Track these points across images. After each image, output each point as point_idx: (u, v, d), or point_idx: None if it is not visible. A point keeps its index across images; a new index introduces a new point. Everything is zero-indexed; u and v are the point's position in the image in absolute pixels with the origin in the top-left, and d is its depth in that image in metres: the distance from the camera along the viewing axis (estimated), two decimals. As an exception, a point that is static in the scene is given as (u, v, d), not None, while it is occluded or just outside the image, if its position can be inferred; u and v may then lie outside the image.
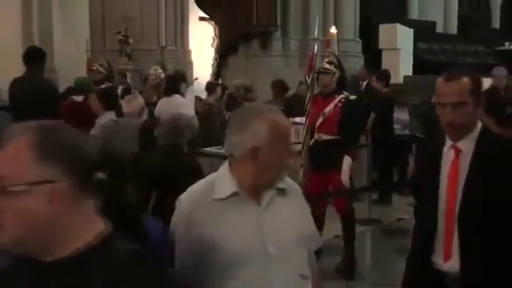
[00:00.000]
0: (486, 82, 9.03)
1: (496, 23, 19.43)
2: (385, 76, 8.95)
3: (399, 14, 15.21)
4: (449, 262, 2.49)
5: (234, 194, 2.01)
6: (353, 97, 6.25)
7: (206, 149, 6.90)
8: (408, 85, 11.57)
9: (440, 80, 2.47)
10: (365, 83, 10.34)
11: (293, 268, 2.05)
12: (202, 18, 12.79)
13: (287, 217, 2.09)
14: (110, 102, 5.78)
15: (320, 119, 5.81)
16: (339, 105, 5.86)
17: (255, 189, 2.04)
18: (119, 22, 12.32)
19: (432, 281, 2.56)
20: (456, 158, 2.47)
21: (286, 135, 2.08)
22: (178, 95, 7.23)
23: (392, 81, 9.24)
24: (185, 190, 2.31)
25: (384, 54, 13.29)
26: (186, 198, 2.11)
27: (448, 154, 2.51)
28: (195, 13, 12.94)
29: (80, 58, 12.92)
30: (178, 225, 2.09)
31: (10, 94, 6.16)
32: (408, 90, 10.59)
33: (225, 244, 1.97)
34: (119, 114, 5.77)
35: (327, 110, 5.85)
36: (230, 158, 2.07)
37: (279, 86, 8.46)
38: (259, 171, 1.98)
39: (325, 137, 5.71)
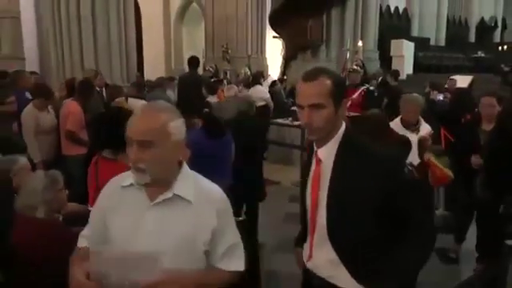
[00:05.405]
0: (465, 80, 8.69)
1: (472, 38, 18.42)
2: (395, 74, 8.77)
3: (404, 33, 14.66)
4: (310, 261, 1.64)
5: (132, 185, 1.39)
6: (372, 88, 6.18)
7: (275, 120, 7.04)
8: (410, 80, 11.44)
9: (300, 80, 1.51)
10: (380, 79, 10.09)
11: (159, 269, 1.26)
12: (274, 37, 12.75)
13: (171, 224, 1.34)
14: (213, 89, 6.14)
15: (349, 102, 5.79)
16: (362, 93, 5.85)
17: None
18: (223, 39, 12.47)
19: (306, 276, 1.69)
20: (317, 167, 1.54)
21: (128, 134, 1.30)
22: (259, 85, 7.40)
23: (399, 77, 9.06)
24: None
25: (394, 60, 12.93)
26: (109, 182, 1.51)
27: (314, 160, 1.57)
28: (270, 33, 12.90)
29: (198, 61, 13.23)
30: (96, 201, 1.52)
31: (179, 83, 6.84)
32: (410, 83, 10.31)
33: (113, 227, 1.40)
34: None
35: (354, 96, 5.84)
36: None
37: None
38: None
39: (352, 114, 5.69)
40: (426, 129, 3.48)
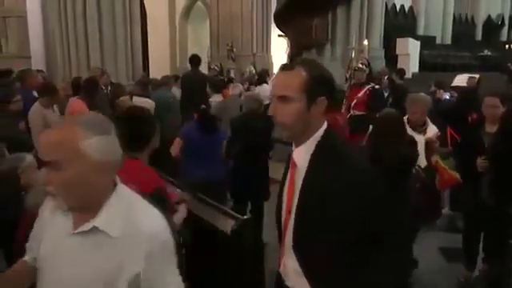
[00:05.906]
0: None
1: (478, 37, 18.27)
2: (401, 72, 8.73)
3: (410, 31, 14.59)
4: (281, 268, 1.52)
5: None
6: (377, 86, 6.16)
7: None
8: (415, 78, 11.35)
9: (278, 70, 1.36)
10: (385, 77, 10.04)
11: None
12: (279, 35, 12.76)
13: (88, 259, 1.11)
14: (217, 88, 6.15)
15: (354, 101, 5.77)
16: (367, 92, 5.80)
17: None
18: (228, 38, 12.48)
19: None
20: (292, 170, 1.38)
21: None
22: (266, 84, 7.40)
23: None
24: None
25: (399, 58, 12.86)
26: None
27: (290, 163, 1.40)
28: (275, 31, 12.90)
29: (203, 60, 13.24)
30: (39, 215, 1.30)
31: (182, 81, 6.84)
32: (415, 82, 10.25)
33: (41, 246, 1.21)
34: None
35: (359, 95, 5.81)
36: None
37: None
38: None
39: (357, 112, 5.68)
40: (433, 130, 3.42)
